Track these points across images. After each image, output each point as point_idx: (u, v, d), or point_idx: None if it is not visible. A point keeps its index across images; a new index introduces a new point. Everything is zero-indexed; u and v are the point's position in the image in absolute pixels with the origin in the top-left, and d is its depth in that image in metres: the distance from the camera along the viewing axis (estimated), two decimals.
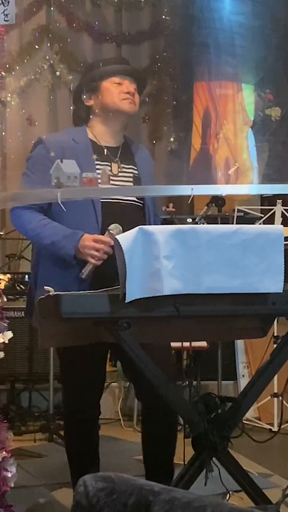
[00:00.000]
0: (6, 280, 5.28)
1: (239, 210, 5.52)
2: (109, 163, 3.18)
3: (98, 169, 3.12)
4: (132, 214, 3.14)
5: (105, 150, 3.19)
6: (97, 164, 3.14)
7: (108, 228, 3.00)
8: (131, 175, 3.21)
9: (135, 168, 3.24)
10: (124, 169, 3.20)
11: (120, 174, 3.19)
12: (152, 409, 3.11)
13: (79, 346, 2.92)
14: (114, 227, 2.99)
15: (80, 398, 3.19)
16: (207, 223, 4.36)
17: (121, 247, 2.43)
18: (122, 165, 3.19)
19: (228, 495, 3.15)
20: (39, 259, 3.17)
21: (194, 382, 5.29)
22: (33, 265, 3.27)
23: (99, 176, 3.09)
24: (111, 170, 3.16)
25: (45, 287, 2.60)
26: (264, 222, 5.21)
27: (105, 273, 2.77)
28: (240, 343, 5.63)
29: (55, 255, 3.04)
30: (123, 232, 2.95)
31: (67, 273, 3.04)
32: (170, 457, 3.17)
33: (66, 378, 3.29)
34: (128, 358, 2.64)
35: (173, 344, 3.95)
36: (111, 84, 3.22)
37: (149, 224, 3.18)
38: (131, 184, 3.18)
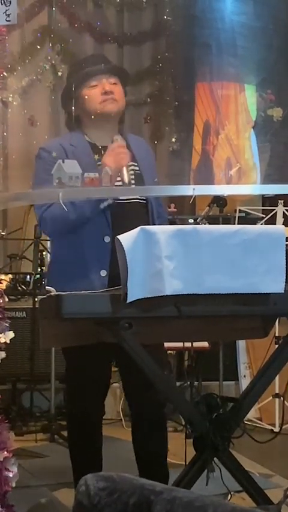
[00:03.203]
0: (8, 280, 5.27)
1: (240, 211, 5.53)
2: None
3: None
4: (137, 212, 3.14)
5: (103, 151, 3.19)
6: (98, 166, 3.13)
7: (112, 140, 3.08)
8: (132, 172, 3.20)
9: (136, 164, 3.23)
10: None
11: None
12: (142, 411, 3.13)
13: (85, 345, 2.92)
14: (117, 137, 3.09)
15: (84, 398, 3.18)
16: (209, 224, 4.36)
17: (123, 247, 2.44)
18: None
19: (229, 495, 3.15)
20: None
21: (196, 383, 5.29)
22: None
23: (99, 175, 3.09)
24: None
25: (46, 287, 2.60)
26: (266, 223, 5.21)
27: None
28: (241, 344, 5.63)
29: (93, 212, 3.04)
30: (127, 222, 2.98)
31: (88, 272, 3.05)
32: (162, 456, 3.17)
33: (71, 377, 3.28)
34: (123, 358, 2.64)
35: (174, 344, 3.96)
36: (88, 90, 3.20)
37: (153, 220, 3.19)
38: (133, 182, 3.18)
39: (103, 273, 3.04)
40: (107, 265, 3.03)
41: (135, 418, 3.23)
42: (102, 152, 3.17)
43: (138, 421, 3.21)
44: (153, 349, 2.84)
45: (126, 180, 3.02)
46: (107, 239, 3.06)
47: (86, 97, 3.19)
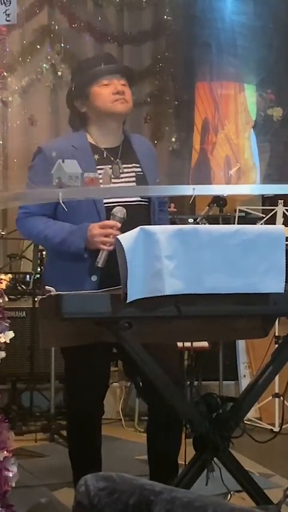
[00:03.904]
0: (8, 280, 5.26)
1: (240, 211, 5.53)
2: (110, 166, 3.16)
3: (99, 174, 3.12)
4: (138, 215, 3.10)
5: (105, 153, 3.18)
6: (98, 169, 3.13)
7: (112, 212, 3.00)
8: (133, 174, 3.19)
9: (138, 165, 3.22)
10: (126, 170, 3.19)
11: (122, 175, 3.17)
12: (156, 408, 3.11)
13: (85, 345, 2.91)
14: (117, 210, 3.00)
15: (84, 398, 3.18)
16: (209, 224, 4.36)
17: (122, 247, 2.44)
18: (124, 165, 3.18)
19: (229, 495, 3.15)
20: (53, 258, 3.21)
21: (195, 382, 5.29)
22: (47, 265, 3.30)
23: (100, 176, 3.08)
24: (112, 172, 3.15)
25: (46, 287, 2.60)
26: (266, 223, 5.21)
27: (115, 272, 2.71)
28: (241, 344, 5.62)
29: (66, 252, 3.05)
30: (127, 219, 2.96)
31: (81, 271, 3.04)
32: (175, 455, 3.17)
33: (70, 376, 3.27)
34: (129, 358, 2.64)
35: None
36: (99, 88, 3.18)
37: (155, 222, 3.18)
38: (134, 184, 3.17)
39: (94, 278, 3.03)
40: (98, 270, 3.02)
41: (152, 417, 3.22)
42: (105, 155, 3.17)
43: (154, 420, 3.19)
44: (162, 349, 2.85)
45: (100, 264, 2.93)
46: None
47: (97, 95, 3.18)
